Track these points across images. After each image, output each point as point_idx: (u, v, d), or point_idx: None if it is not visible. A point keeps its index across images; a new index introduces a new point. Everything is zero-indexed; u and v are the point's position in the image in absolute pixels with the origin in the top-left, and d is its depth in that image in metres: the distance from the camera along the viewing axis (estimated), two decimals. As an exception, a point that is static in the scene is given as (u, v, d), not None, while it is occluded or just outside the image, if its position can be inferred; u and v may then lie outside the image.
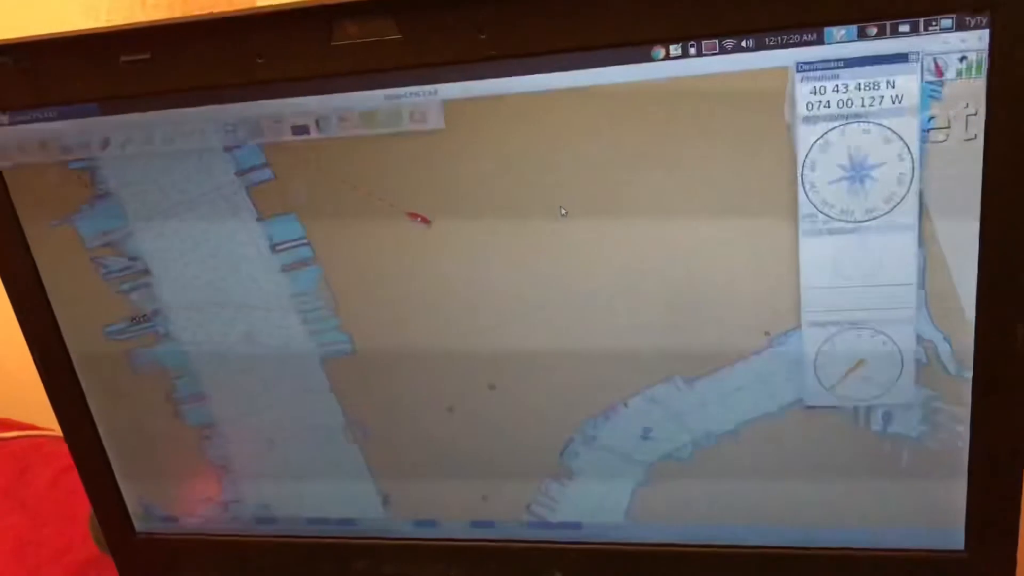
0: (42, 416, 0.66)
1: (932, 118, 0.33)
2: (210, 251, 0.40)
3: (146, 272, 0.41)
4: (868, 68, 0.32)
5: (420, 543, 0.45)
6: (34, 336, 0.43)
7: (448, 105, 0.36)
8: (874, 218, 0.34)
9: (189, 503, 0.46)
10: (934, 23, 0.32)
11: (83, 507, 0.58)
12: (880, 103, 0.33)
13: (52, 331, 0.43)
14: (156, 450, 0.45)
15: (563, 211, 0.37)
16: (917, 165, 0.33)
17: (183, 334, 0.42)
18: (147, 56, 0.37)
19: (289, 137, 0.38)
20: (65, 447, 0.64)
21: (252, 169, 0.38)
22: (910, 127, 0.33)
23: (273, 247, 0.40)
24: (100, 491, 0.47)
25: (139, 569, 0.49)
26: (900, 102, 0.33)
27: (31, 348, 0.44)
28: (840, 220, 0.35)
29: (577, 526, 0.43)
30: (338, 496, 0.45)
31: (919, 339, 0.36)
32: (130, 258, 0.41)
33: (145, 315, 0.42)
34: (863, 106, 0.33)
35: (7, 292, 0.43)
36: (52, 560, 0.55)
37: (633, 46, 0.34)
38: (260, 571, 0.48)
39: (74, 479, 0.61)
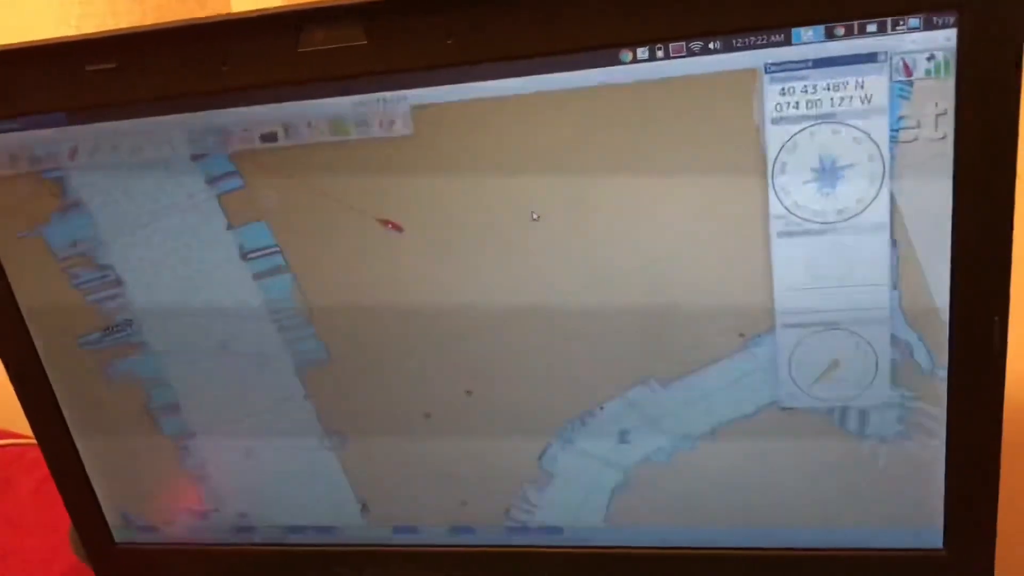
0: (24, 424, 0.66)
1: (902, 118, 0.32)
2: (182, 260, 0.40)
3: (118, 282, 0.41)
4: (836, 69, 0.32)
5: (399, 550, 0.44)
6: (7, 347, 0.43)
7: (416, 111, 0.36)
8: (846, 219, 0.34)
9: (167, 513, 0.46)
10: (902, 23, 0.31)
11: (64, 517, 0.58)
12: (849, 104, 0.33)
13: (25, 342, 0.43)
14: (133, 460, 0.45)
15: (535, 215, 0.36)
16: (888, 165, 0.33)
17: (157, 344, 0.42)
18: (113, 65, 0.37)
19: (258, 145, 0.37)
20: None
21: (221, 177, 0.38)
22: (880, 127, 0.33)
23: (245, 255, 0.39)
24: (78, 501, 0.47)
25: (119, 574, 0.49)
26: (869, 103, 0.32)
27: (3, 359, 0.43)
28: (812, 221, 0.35)
29: (557, 531, 0.42)
30: (316, 504, 0.45)
31: (894, 339, 0.36)
32: (102, 268, 0.41)
33: (119, 325, 0.42)
34: (832, 107, 0.33)
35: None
36: (34, 571, 0.55)
37: (600, 49, 0.33)
38: (240, 580, 0.48)
39: (55, 488, 0.61)
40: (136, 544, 0.47)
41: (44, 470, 0.63)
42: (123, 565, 0.48)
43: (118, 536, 0.47)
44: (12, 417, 0.67)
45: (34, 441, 0.66)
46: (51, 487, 0.61)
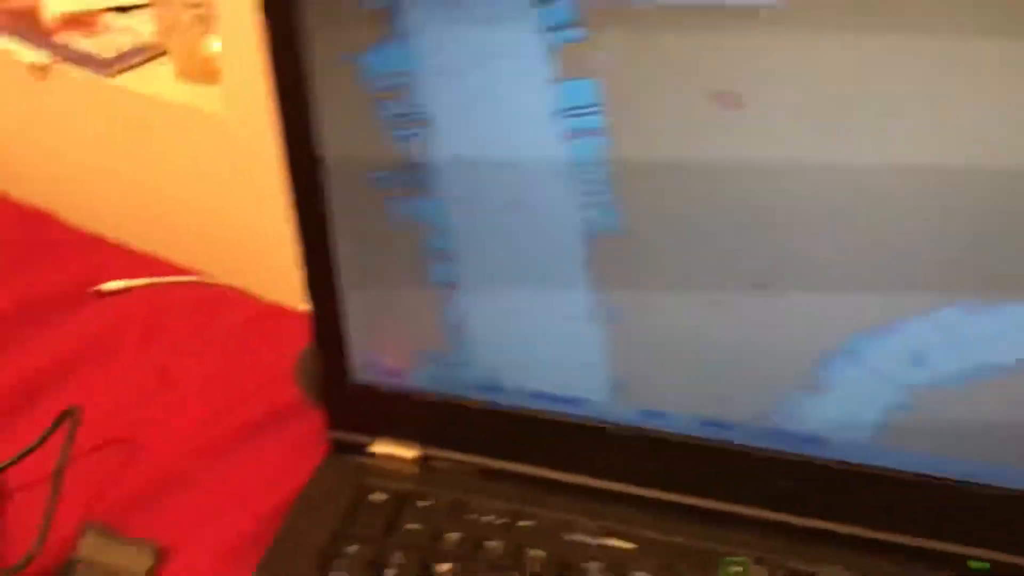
0: (221, 268, 0.68)
1: None
2: (495, 107, 0.40)
3: (425, 121, 0.41)
4: None
5: (643, 433, 0.44)
6: (295, 166, 0.43)
7: (793, -19, 0.34)
8: None
9: (415, 359, 0.47)
10: None
11: (281, 351, 0.59)
12: None
13: (315, 165, 0.43)
14: (393, 303, 0.46)
15: (891, 107, 0.35)
16: None
17: (448, 190, 0.42)
18: None
19: (610, -2, 0.36)
20: (256, 301, 0.66)
21: (563, 27, 0.37)
22: None
23: (563, 111, 0.39)
24: (326, 332, 0.47)
25: (348, 416, 0.50)
26: None
27: (291, 177, 0.44)
28: None
29: (819, 442, 0.42)
30: (568, 373, 0.45)
31: None
32: (412, 104, 0.41)
33: (414, 165, 0.42)
34: None
35: (279, 115, 0.42)
36: (253, 400, 0.57)
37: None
38: (471, 436, 0.48)
39: (270, 327, 0.63)
40: (374, 385, 0.48)
41: (252, 310, 0.65)
42: (356, 403, 0.49)
43: (357, 375, 0.48)
44: (213, 260, 0.69)
45: (232, 284, 0.68)
46: (264, 326, 0.63)
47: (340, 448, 0.50)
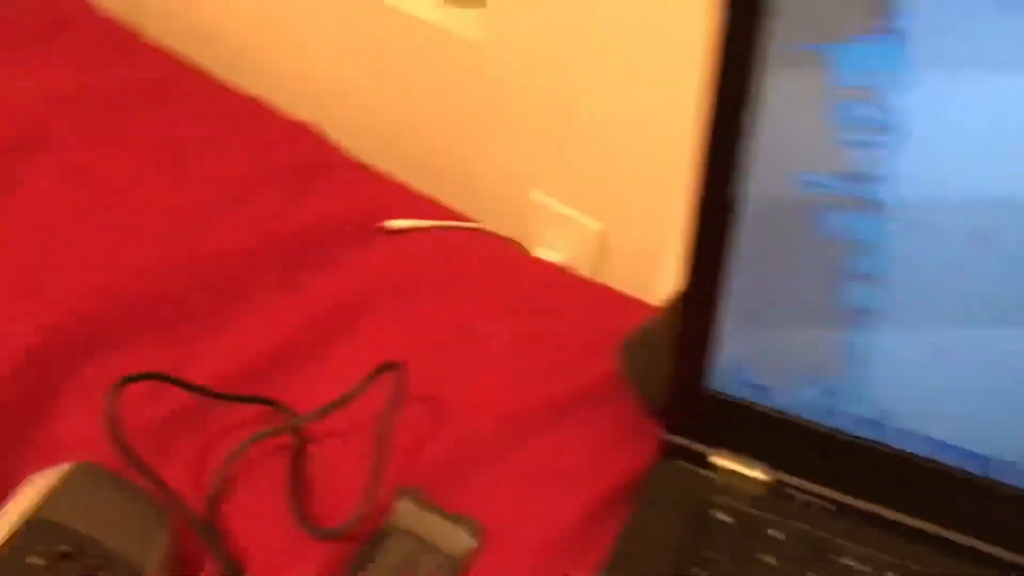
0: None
1: None
2: (986, 126, 0.34)
3: (890, 130, 0.35)
4: None
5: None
6: (713, 148, 0.38)
7: None
8: None
9: (793, 380, 0.42)
10: None
11: (590, 326, 0.56)
12: None
13: (736, 152, 0.38)
14: (787, 317, 0.41)
15: None
16: None
17: (898, 209, 0.37)
18: None
19: None
20: (551, 265, 0.62)
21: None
22: None
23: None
24: (693, 330, 0.43)
25: (693, 423, 0.46)
26: None
27: (707, 156, 0.39)
28: None
29: None
30: (984, 427, 0.40)
31: None
32: (882, 109, 0.35)
33: (863, 175, 0.37)
34: None
35: (711, 95, 0.37)
36: (557, 372, 0.54)
37: None
38: (834, 468, 0.44)
39: (573, 297, 0.59)
40: (732, 396, 0.44)
41: (550, 273, 0.62)
42: (705, 410, 0.45)
43: (715, 382, 0.44)
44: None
45: (476, 226, 0.65)
46: (565, 292, 0.60)
47: (674, 453, 0.47)
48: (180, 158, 0.65)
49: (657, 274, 0.66)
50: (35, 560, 0.38)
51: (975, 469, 0.41)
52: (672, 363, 0.45)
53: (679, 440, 0.46)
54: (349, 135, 0.70)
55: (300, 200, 0.64)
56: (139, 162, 0.65)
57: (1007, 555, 0.42)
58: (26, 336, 0.51)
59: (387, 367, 0.50)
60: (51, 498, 0.41)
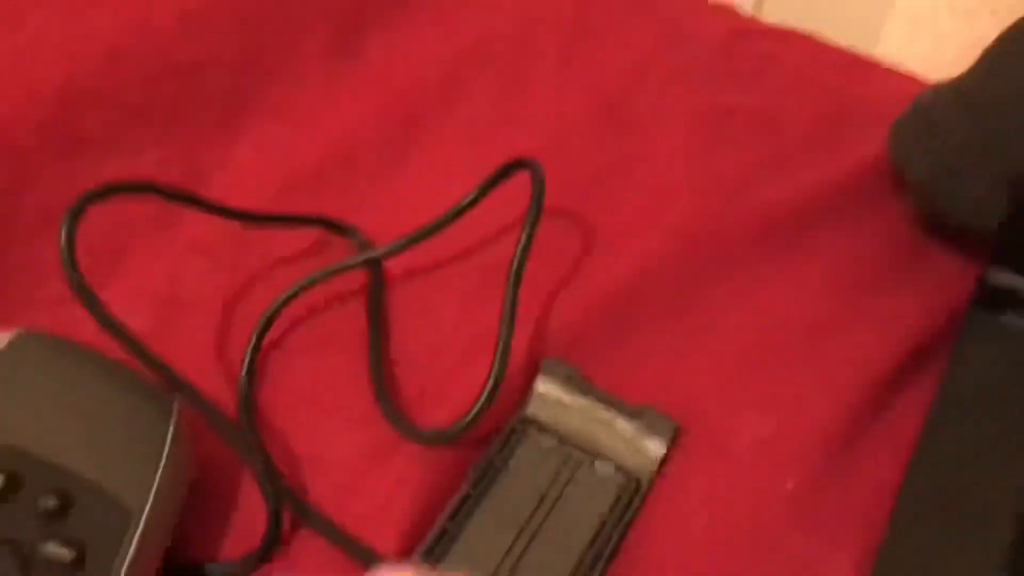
0: None
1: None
2: None
3: None
4: None
5: None
6: None
7: None
8: None
9: None
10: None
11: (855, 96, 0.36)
12: None
13: None
14: None
15: None
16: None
17: None
18: None
19: None
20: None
21: None
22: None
23: None
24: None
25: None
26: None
27: None
28: None
29: None
30: None
31: None
32: None
33: None
34: None
35: None
36: (777, 171, 0.34)
37: None
38: None
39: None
40: None
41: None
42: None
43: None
44: None
45: None
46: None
47: (1001, 299, 0.28)
48: None
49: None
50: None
51: None
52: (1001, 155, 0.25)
53: (1008, 279, 0.27)
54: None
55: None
56: None
57: None
58: None
59: (515, 166, 0.31)
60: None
